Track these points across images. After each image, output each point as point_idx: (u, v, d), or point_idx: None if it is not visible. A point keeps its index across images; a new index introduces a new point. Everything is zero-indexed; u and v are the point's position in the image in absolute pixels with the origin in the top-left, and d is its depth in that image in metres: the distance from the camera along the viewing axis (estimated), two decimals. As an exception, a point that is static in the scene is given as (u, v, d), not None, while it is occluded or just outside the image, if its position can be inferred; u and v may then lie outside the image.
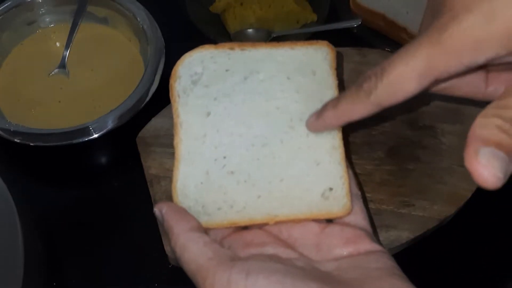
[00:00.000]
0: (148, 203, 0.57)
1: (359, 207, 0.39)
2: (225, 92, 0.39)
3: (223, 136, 0.38)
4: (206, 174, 0.38)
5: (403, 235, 0.55)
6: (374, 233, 0.39)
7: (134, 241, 0.58)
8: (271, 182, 0.38)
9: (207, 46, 0.39)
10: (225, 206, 0.37)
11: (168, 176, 0.58)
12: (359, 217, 0.38)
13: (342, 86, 0.42)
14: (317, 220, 0.38)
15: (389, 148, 0.60)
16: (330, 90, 0.39)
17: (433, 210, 0.56)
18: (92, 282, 0.56)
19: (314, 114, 0.38)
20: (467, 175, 0.58)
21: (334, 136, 0.39)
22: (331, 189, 0.38)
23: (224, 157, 0.38)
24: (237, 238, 0.37)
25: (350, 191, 0.38)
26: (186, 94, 0.39)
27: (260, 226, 0.38)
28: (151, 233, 0.56)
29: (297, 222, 0.38)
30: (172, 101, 0.39)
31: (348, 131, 0.58)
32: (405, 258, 0.55)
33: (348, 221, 0.38)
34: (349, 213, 0.38)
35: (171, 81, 0.39)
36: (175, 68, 0.39)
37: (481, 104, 0.65)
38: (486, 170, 0.29)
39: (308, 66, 0.40)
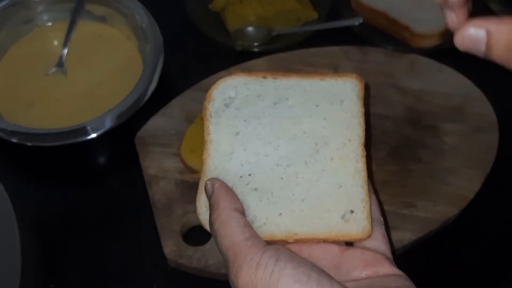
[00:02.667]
0: (147, 204, 0.57)
1: (380, 232, 0.39)
2: (255, 115, 0.41)
3: (249, 155, 0.40)
4: None
5: (406, 236, 0.54)
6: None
7: (133, 243, 0.57)
8: (293, 201, 0.39)
9: (241, 73, 0.42)
10: None
11: (166, 176, 0.58)
12: (380, 243, 0.39)
13: (368, 114, 0.43)
14: (337, 243, 0.39)
15: (392, 148, 0.60)
16: (356, 118, 0.41)
17: (436, 211, 0.55)
18: (90, 283, 0.56)
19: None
20: (470, 176, 0.58)
21: (358, 160, 0.40)
22: (352, 211, 0.39)
23: (249, 175, 0.40)
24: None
25: (372, 216, 0.39)
26: (218, 115, 0.41)
27: (280, 243, 0.39)
28: (150, 235, 0.55)
29: (316, 242, 0.39)
30: (204, 119, 0.41)
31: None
32: (408, 259, 0.55)
33: (369, 246, 0.39)
34: (368, 237, 0.39)
35: (205, 102, 0.41)
36: (210, 91, 0.42)
37: (482, 106, 0.64)
38: (462, 42, 0.34)
39: (337, 96, 0.42)
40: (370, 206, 0.39)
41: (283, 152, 0.40)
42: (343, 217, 0.39)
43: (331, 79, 0.42)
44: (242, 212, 0.37)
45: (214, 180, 0.38)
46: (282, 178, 0.40)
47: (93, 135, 0.59)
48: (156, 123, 0.61)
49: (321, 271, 0.33)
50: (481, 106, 0.62)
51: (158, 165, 0.59)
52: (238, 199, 0.38)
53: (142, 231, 0.57)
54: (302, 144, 0.40)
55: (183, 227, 0.55)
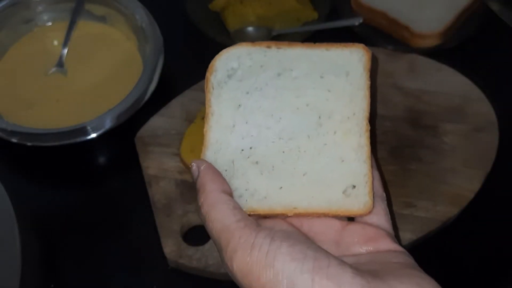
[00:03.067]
0: (147, 204, 0.57)
1: (382, 208, 0.39)
2: (257, 86, 0.40)
3: (251, 128, 0.39)
4: (231, 162, 0.39)
5: (405, 236, 0.54)
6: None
7: (133, 243, 0.57)
8: (294, 175, 0.39)
9: (244, 43, 0.41)
10: (246, 194, 0.38)
11: (166, 176, 0.58)
12: (381, 219, 0.38)
13: (374, 87, 0.42)
14: (339, 218, 0.38)
15: (391, 148, 0.60)
16: (361, 91, 0.40)
17: (436, 211, 0.55)
18: (90, 283, 0.56)
19: None
20: (470, 176, 0.58)
21: (362, 135, 0.39)
22: (354, 186, 0.38)
23: (250, 148, 0.39)
24: (259, 223, 0.37)
25: (374, 191, 0.39)
26: (220, 87, 0.40)
27: (280, 217, 0.38)
28: (150, 235, 0.55)
29: (316, 217, 0.38)
30: (206, 92, 0.40)
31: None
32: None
33: (370, 222, 0.38)
34: (369, 212, 0.38)
35: (207, 73, 0.40)
36: (212, 62, 0.41)
37: (482, 106, 0.64)
38: None
39: (342, 67, 0.41)
40: (373, 181, 0.39)
41: (285, 125, 0.39)
42: (344, 192, 0.38)
43: (337, 49, 0.41)
44: (230, 194, 0.36)
45: (199, 161, 0.38)
46: (283, 152, 0.39)
47: (93, 135, 0.59)
48: (156, 123, 0.61)
49: (318, 248, 0.33)
50: (481, 106, 0.62)
51: (158, 165, 0.58)
52: (225, 180, 0.37)
53: (142, 231, 0.57)
54: (305, 117, 0.40)
55: (183, 227, 0.55)
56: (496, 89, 0.64)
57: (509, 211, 0.59)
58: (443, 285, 0.56)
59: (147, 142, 0.60)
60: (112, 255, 0.57)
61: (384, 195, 0.40)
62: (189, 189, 0.57)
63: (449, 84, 0.64)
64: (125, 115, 0.60)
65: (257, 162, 0.39)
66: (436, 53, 0.67)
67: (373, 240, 0.36)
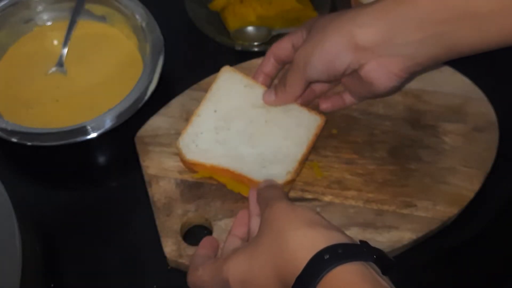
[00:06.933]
0: (147, 204, 0.57)
1: None
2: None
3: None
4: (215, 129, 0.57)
5: (406, 236, 0.54)
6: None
7: (133, 243, 0.57)
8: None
9: None
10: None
11: (166, 176, 0.58)
12: None
13: None
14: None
15: (391, 147, 0.60)
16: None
17: (436, 211, 0.55)
18: (90, 283, 0.56)
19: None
20: (470, 176, 0.58)
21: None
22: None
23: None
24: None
25: None
26: None
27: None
28: (150, 235, 0.55)
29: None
30: None
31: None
32: (408, 259, 0.55)
33: None
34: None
35: None
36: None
37: (482, 106, 0.64)
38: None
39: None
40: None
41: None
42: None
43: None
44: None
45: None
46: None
47: (93, 135, 0.59)
48: (156, 122, 0.61)
49: None
50: (481, 106, 0.62)
51: (158, 165, 0.58)
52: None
53: (142, 231, 0.57)
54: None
55: (183, 226, 0.55)
56: (496, 89, 0.64)
57: (509, 211, 0.60)
58: (443, 285, 0.56)
59: (147, 142, 0.60)
60: (112, 255, 0.57)
61: None
62: (189, 189, 0.57)
63: (449, 84, 0.64)
64: (125, 115, 0.60)
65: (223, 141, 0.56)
66: (436, 53, 0.67)
67: None
